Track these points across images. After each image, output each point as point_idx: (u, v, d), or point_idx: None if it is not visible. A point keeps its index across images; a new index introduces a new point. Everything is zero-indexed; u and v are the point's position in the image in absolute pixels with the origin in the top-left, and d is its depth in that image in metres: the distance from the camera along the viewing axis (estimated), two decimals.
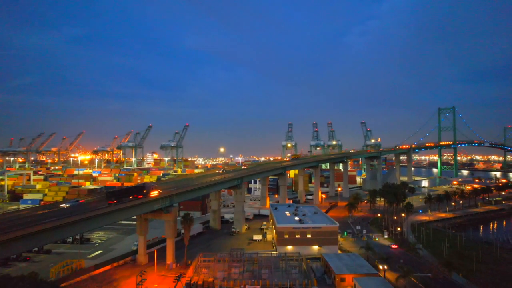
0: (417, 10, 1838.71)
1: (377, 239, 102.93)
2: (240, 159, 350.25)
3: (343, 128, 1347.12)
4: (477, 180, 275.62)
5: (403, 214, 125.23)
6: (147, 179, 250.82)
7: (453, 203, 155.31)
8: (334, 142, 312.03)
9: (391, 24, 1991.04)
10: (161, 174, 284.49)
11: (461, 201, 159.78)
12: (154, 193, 78.10)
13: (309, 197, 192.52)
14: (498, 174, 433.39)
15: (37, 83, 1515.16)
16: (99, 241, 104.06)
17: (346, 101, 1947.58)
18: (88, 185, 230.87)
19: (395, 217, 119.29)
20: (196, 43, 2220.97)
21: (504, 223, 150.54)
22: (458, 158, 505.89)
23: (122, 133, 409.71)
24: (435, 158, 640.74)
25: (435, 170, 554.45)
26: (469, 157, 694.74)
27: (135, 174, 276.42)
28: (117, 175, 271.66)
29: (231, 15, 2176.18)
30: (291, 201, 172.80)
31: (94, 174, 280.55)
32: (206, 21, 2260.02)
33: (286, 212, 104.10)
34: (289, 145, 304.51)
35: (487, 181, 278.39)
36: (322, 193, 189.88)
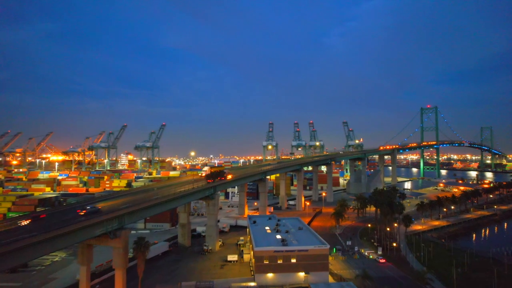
0: (396, 12, 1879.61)
1: (371, 257, 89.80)
2: (217, 161, 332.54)
3: (324, 128, 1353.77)
4: (460, 181, 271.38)
5: (395, 224, 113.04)
6: (116, 183, 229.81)
7: (444, 209, 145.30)
8: (317, 143, 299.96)
9: (370, 25, 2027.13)
10: (134, 177, 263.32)
11: (453, 207, 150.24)
12: (229, 177, 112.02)
13: (291, 202, 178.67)
14: (475, 173, 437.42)
15: (6, 79, 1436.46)
16: (38, 267, 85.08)
17: (327, 102, 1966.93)
18: (47, 191, 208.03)
19: (388, 228, 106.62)
20: (175, 42, 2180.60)
21: (496, 229, 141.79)
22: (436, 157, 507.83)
23: (99, 133, 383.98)
24: (414, 157, 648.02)
25: (414, 169, 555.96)
26: (445, 156, 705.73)
27: (105, 177, 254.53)
28: (85, 178, 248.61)
29: (211, 14, 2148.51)
30: (271, 208, 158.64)
31: (60, 178, 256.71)
32: (186, 19, 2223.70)
33: (266, 228, 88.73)
34: (269, 146, 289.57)
35: (470, 182, 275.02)
36: (305, 197, 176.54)
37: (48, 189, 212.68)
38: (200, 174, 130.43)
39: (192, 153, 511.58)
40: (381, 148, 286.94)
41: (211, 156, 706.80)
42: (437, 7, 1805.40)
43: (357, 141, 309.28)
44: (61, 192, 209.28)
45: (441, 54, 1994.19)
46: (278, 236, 79.46)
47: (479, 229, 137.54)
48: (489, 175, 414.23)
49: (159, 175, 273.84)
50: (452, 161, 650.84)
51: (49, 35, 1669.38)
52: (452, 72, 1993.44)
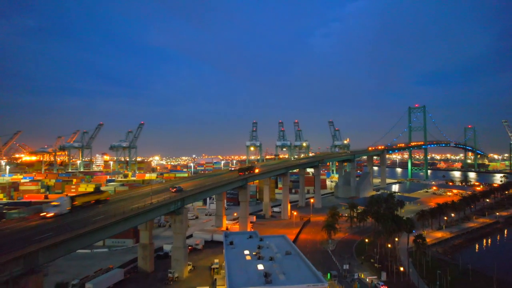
0: (379, 13, 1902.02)
1: (373, 283, 73.53)
2: (193, 164, 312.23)
3: (310, 128, 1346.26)
4: (451, 183, 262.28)
5: (396, 239, 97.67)
6: (82, 188, 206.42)
7: (445, 217, 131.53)
8: (304, 144, 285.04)
9: (354, 26, 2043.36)
10: (106, 180, 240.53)
11: (453, 214, 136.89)
12: (256, 170, 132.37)
13: (276, 209, 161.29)
14: (459, 173, 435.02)
15: None
16: None
17: (312, 101, 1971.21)
18: None
19: (389, 245, 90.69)
20: (159, 40, 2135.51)
21: (498, 238, 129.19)
22: (419, 157, 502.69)
23: (72, 132, 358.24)
24: (398, 157, 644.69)
25: (398, 169, 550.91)
26: (427, 156, 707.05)
27: (74, 180, 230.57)
28: (51, 181, 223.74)
29: (196, 12, 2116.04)
30: (254, 217, 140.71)
31: (23, 181, 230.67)
32: (170, 18, 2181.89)
33: (246, 253, 70.42)
34: (252, 148, 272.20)
35: (460, 184, 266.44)
36: (290, 202, 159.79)
37: (1, 196, 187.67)
38: (43, 214, 59.63)
39: (157, 157, 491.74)
40: (370, 148, 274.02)
41: (194, 156, 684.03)
42: (420, 9, 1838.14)
43: (344, 142, 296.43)
44: (17, 199, 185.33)
45: (424, 55, 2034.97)
46: (260, 267, 61.32)
47: (483, 239, 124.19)
48: (472, 175, 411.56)
49: (134, 178, 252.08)
50: (435, 161, 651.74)
51: (28, 31, 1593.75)
52: (436, 73, 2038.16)
